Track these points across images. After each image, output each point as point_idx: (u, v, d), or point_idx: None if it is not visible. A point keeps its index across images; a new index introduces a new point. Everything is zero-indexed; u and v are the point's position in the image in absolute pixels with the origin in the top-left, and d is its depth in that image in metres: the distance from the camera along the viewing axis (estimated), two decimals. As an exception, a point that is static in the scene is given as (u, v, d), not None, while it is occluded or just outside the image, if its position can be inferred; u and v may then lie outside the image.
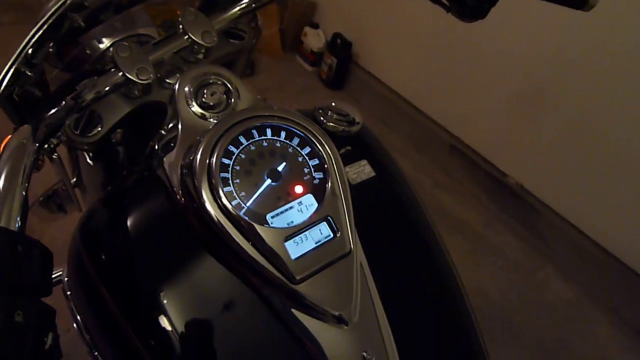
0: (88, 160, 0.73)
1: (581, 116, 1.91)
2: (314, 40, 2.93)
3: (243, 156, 0.51)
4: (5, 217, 0.40)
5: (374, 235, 0.56)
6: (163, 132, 0.58)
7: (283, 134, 0.53)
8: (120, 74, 0.58)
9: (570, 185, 2.04)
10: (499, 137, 2.27)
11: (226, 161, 0.50)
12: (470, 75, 2.30)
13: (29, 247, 0.35)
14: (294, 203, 0.51)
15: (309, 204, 0.51)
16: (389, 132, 2.67)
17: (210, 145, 0.50)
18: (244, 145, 0.51)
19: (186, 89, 0.56)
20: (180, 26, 0.63)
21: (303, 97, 2.79)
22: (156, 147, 0.57)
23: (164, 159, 0.53)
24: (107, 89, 0.58)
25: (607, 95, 1.81)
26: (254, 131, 0.52)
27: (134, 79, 0.58)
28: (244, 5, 0.67)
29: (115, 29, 0.75)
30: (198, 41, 0.63)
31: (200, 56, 0.68)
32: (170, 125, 0.58)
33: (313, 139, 0.54)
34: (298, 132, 0.53)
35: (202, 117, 0.56)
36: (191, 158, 0.50)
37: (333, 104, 0.64)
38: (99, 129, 0.65)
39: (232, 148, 0.51)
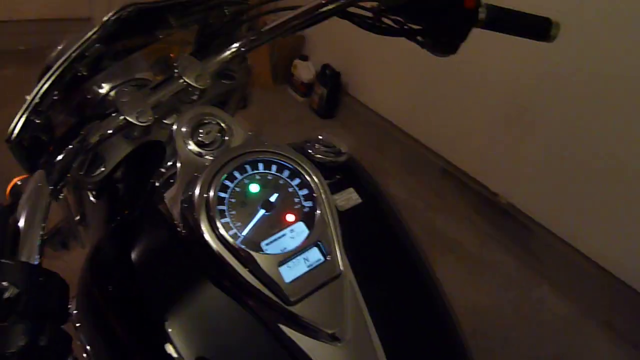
0: (91, 198, 0.77)
1: (567, 133, 1.97)
2: (304, 71, 3.02)
3: (238, 189, 0.55)
4: (26, 253, 0.44)
5: (362, 258, 0.60)
6: (163, 169, 0.62)
7: (274, 167, 0.58)
8: (122, 117, 0.63)
9: (561, 202, 2.08)
10: (488, 158, 2.33)
11: (222, 195, 0.54)
12: (457, 100, 2.37)
13: (49, 279, 0.39)
14: (286, 230, 0.55)
15: (300, 230, 0.55)
16: (382, 158, 2.73)
17: (208, 181, 0.54)
18: (238, 180, 0.56)
19: (183, 129, 0.61)
20: (176, 71, 0.68)
21: (295, 127, 2.85)
22: (157, 183, 0.61)
23: (165, 194, 0.58)
24: (109, 132, 0.63)
25: (592, 113, 1.87)
26: (247, 166, 0.57)
27: (135, 122, 0.63)
28: (234, 49, 0.73)
29: (114, 75, 0.80)
30: (193, 84, 0.68)
31: (195, 97, 0.73)
32: (170, 163, 0.62)
33: (302, 171, 0.58)
34: (288, 165, 0.58)
35: (199, 154, 0.60)
36: (190, 193, 0.54)
37: (320, 137, 0.69)
38: (102, 169, 0.70)
39: (227, 182, 0.55)
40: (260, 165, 0.57)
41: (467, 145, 2.40)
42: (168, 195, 0.58)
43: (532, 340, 1.87)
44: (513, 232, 2.25)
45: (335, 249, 0.55)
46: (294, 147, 0.64)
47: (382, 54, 2.66)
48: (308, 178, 0.58)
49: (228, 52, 0.73)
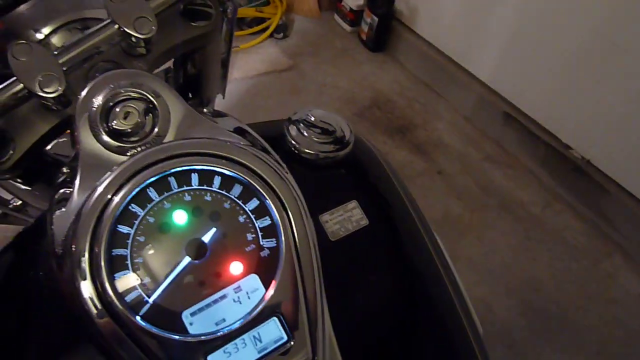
0: (21, 185, 0.59)
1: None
2: (352, -4, 2.67)
3: (151, 220, 0.34)
4: None
5: (359, 324, 0.38)
6: (65, 169, 0.42)
7: (217, 180, 0.36)
8: (21, 85, 0.42)
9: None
10: (561, 103, 1.97)
11: (124, 229, 0.33)
12: (527, 31, 1.99)
13: None
14: (228, 290, 0.34)
15: (252, 289, 0.34)
16: (436, 99, 2.42)
17: (100, 206, 0.33)
18: (154, 203, 0.34)
19: (91, 107, 0.39)
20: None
21: (340, 62, 2.55)
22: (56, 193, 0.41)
23: (54, 214, 0.37)
24: (7, 103, 0.43)
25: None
26: (172, 179, 0.35)
27: (37, 91, 0.42)
28: None
29: (51, 10, 0.59)
30: (130, 32, 0.45)
31: (142, 50, 0.50)
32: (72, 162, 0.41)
33: (261, 188, 0.36)
34: (239, 177, 0.36)
35: (118, 150, 0.39)
36: (73, 224, 0.34)
37: (312, 117, 0.45)
38: (11, 152, 0.50)
39: (134, 208, 0.34)
40: (194, 178, 0.35)
41: (536, 87, 2.04)
42: (58, 218, 0.37)
43: (597, 323, 1.62)
44: (585, 193, 1.93)
45: (305, 322, 0.34)
46: (271, 133, 0.41)
47: (443, -25, 2.27)
48: (270, 200, 0.35)
49: None
